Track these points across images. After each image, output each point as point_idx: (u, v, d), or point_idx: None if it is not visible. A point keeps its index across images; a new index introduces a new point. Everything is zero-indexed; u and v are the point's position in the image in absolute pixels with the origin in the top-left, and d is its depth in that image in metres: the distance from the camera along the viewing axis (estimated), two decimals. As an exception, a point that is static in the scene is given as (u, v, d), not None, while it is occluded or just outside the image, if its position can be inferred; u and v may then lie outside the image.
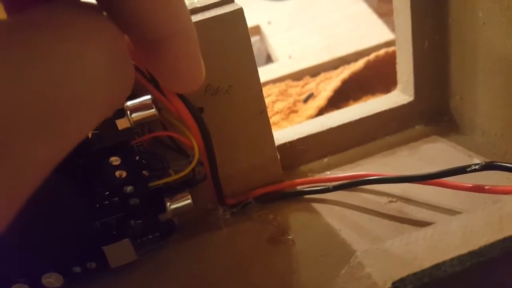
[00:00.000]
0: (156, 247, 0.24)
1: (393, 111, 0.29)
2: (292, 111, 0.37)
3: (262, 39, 0.55)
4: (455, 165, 0.21)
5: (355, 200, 0.24)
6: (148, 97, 0.20)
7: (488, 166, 0.21)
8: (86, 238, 0.21)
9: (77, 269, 0.22)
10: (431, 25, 0.27)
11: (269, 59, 0.53)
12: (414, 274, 0.13)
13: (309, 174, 0.27)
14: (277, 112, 0.37)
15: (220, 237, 0.24)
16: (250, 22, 0.21)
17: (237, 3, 0.21)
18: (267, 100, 0.38)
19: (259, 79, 0.23)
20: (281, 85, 0.40)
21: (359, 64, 0.37)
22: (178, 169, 0.23)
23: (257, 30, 0.55)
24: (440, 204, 0.22)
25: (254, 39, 0.55)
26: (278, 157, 0.26)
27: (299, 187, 0.26)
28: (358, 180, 0.24)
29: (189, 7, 0.21)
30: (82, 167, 0.20)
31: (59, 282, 0.21)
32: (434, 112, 0.29)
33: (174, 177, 0.22)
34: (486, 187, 0.20)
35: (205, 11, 0.21)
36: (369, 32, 0.51)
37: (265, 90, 0.40)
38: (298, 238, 0.23)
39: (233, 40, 0.22)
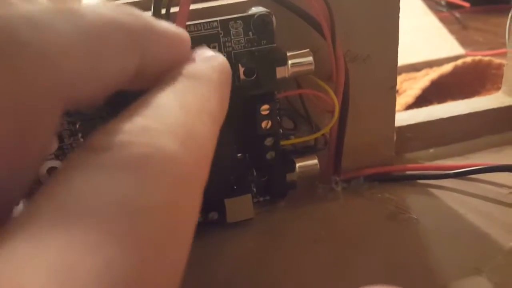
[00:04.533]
0: (266, 210, 0.24)
1: (499, 111, 0.29)
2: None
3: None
4: None
5: (473, 189, 0.24)
6: (307, 50, 0.19)
7: None
8: (216, 187, 0.21)
9: (199, 218, 0.21)
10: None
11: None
12: None
13: (419, 161, 0.26)
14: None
15: (335, 208, 0.23)
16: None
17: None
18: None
19: (397, 52, 0.23)
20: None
21: (448, 67, 0.37)
22: (300, 135, 0.23)
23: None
24: None
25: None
26: (395, 138, 0.25)
27: (410, 172, 0.25)
28: (477, 168, 0.24)
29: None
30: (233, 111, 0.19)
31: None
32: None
33: (304, 138, 0.22)
34: None
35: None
36: (439, 44, 0.51)
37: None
38: (422, 218, 0.22)
39: (382, 8, 0.22)
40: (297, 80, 0.21)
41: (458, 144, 0.28)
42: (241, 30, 0.19)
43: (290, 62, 0.19)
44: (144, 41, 0.11)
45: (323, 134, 0.23)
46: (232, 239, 0.22)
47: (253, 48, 0.19)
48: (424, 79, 0.37)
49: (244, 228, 0.22)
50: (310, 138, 0.22)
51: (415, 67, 0.48)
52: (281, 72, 0.19)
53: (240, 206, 0.22)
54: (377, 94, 0.24)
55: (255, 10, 0.19)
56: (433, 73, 0.37)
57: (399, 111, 0.35)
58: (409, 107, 0.36)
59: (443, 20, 0.57)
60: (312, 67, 0.19)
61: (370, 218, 0.22)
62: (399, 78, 0.40)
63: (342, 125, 0.23)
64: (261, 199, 0.23)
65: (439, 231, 0.21)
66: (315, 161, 0.22)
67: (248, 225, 0.22)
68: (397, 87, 0.39)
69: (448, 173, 0.24)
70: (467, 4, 0.60)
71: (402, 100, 0.36)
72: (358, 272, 0.20)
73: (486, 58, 0.38)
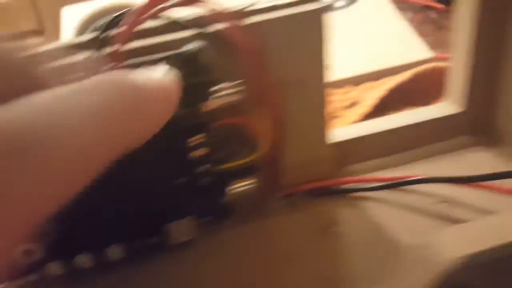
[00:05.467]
0: (209, 230, 0.25)
1: (443, 120, 0.30)
2: (334, 116, 0.38)
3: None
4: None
5: (402, 199, 0.25)
6: (238, 80, 0.21)
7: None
8: (153, 212, 0.22)
9: (137, 244, 0.23)
10: (490, 39, 0.28)
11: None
12: (483, 251, 0.14)
13: (358, 174, 0.28)
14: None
15: (274, 224, 0.25)
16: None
17: (321, 2, 0.23)
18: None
19: (324, 75, 0.25)
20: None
21: (407, 75, 0.39)
22: (237, 158, 0.25)
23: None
24: (489, 208, 0.23)
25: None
26: (330, 155, 0.27)
27: (345, 185, 0.27)
28: (406, 180, 0.25)
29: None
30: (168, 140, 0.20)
31: (119, 254, 0.22)
32: (482, 123, 0.30)
33: (241, 161, 0.23)
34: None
35: (285, 9, 0.22)
36: (409, 49, 0.52)
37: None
38: (347, 230, 0.24)
39: (306, 38, 0.24)
40: (231, 108, 0.23)
41: (398, 155, 0.29)
42: (176, 66, 0.21)
43: (222, 93, 0.21)
44: (144, 111, 0.12)
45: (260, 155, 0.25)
46: (174, 262, 0.23)
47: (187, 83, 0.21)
48: (381, 88, 0.38)
49: (186, 250, 0.24)
50: (247, 161, 0.24)
51: (384, 73, 0.49)
52: (214, 103, 0.21)
53: (181, 228, 0.23)
54: (309, 115, 0.25)
55: (190, 46, 0.21)
56: (390, 82, 0.39)
57: (356, 121, 0.37)
58: (368, 116, 0.37)
59: (416, 21, 0.57)
60: (244, 95, 0.21)
61: (301, 233, 0.24)
62: (360, 88, 0.41)
63: (278, 147, 0.24)
64: (203, 220, 0.24)
65: (360, 244, 0.23)
66: (254, 180, 0.24)
67: (189, 246, 0.24)
68: (357, 97, 0.41)
69: (381, 185, 0.26)
70: (442, 6, 0.61)
71: (359, 110, 0.37)
72: (288, 286, 0.21)
73: (442, 65, 0.39)
